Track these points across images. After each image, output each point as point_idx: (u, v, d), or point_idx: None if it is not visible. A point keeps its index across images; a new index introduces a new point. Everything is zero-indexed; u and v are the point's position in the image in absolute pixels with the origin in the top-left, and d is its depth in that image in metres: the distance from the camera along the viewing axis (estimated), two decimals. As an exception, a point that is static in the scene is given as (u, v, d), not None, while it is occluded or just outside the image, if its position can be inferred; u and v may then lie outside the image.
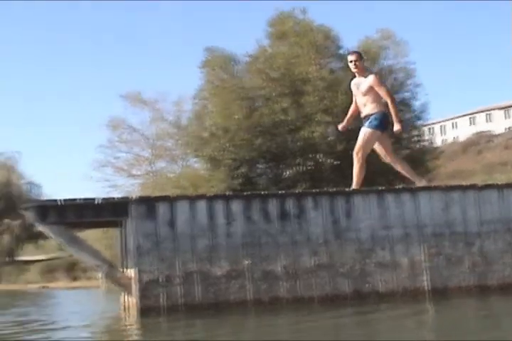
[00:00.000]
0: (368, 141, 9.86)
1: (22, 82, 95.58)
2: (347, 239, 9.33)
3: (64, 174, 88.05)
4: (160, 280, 8.67)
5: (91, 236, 27.30)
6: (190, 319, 8.31)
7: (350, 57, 10.06)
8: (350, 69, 10.27)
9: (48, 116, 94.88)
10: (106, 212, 8.85)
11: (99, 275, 9.08)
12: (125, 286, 8.94)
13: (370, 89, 9.83)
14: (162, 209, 8.80)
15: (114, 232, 29.14)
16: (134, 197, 9.09)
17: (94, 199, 8.70)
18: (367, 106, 9.95)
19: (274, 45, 27.24)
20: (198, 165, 30.46)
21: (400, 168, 10.24)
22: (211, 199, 9.07)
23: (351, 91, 10.38)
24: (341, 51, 25.58)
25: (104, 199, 8.88)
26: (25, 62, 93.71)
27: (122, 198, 9.34)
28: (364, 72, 10.07)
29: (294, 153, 24.15)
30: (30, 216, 8.87)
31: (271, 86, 25.23)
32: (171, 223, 8.79)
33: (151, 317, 8.51)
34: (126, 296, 9.61)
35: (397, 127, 9.77)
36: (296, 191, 10.64)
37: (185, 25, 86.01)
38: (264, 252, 9.01)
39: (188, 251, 8.78)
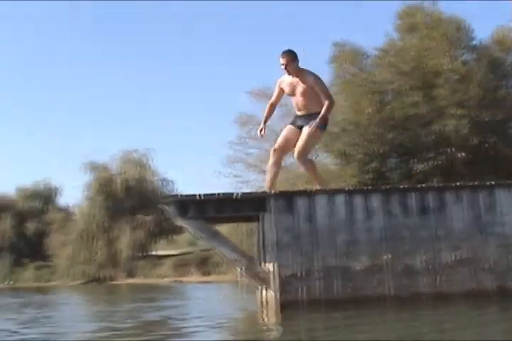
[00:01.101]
0: (314, 141, 9.66)
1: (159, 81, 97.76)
2: (490, 234, 9.09)
3: (194, 170, 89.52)
4: (299, 274, 8.66)
5: (222, 231, 27.61)
6: (330, 313, 8.27)
7: (281, 61, 9.22)
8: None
9: (179, 114, 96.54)
10: (245, 207, 8.92)
11: (238, 269, 9.09)
12: (264, 281, 8.96)
13: (311, 90, 9.20)
14: (301, 203, 8.80)
15: (245, 227, 29.58)
16: (272, 191, 9.11)
17: (233, 194, 8.77)
18: (308, 106, 9.29)
19: (404, 37, 26.84)
20: (328, 160, 30.39)
21: (308, 168, 9.67)
22: (350, 193, 9.01)
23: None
24: (474, 42, 24.96)
25: (243, 193, 8.95)
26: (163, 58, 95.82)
27: (261, 193, 9.37)
28: (299, 73, 9.25)
29: (427, 147, 23.74)
30: (170, 211, 9.01)
31: (402, 79, 24.89)
32: (310, 217, 8.77)
33: (291, 311, 8.51)
34: (263, 291, 9.66)
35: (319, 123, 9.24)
36: (437, 185, 10.39)
37: (312, 20, 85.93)
38: (404, 247, 8.88)
39: (328, 245, 8.75)
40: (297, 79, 9.24)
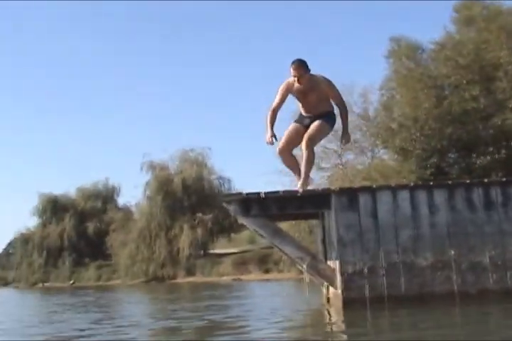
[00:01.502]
0: (324, 133, 9.40)
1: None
2: (559, 228, 8.92)
3: (249, 168, 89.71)
4: (363, 271, 8.61)
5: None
6: (395, 311, 8.22)
7: (293, 72, 8.76)
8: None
9: (231, 112, 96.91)
10: (307, 204, 8.89)
11: (301, 267, 9.06)
12: (328, 278, 8.93)
13: (324, 95, 8.95)
14: (364, 199, 8.75)
15: (304, 225, 29.55)
16: (335, 188, 9.08)
17: (296, 191, 8.75)
18: (319, 108, 9.01)
19: (461, 30, 26.58)
20: (386, 156, 30.20)
21: (304, 157, 9.03)
22: (414, 188, 8.93)
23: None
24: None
25: (305, 191, 8.93)
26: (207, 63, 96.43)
27: (324, 190, 9.34)
28: (311, 80, 8.83)
29: (486, 141, 23.46)
30: (232, 209, 9.03)
31: (460, 73, 24.62)
32: (373, 213, 8.71)
33: (355, 308, 8.48)
34: (328, 288, 9.65)
35: (346, 138, 9.44)
36: (502, 179, 10.23)
37: (367, 15, 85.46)
38: (470, 242, 8.77)
39: (391, 241, 8.68)
40: (309, 86, 8.85)
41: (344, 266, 8.61)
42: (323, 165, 34.07)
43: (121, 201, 64.99)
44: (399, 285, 8.64)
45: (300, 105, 9.13)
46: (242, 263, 42.65)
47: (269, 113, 8.94)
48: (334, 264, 8.99)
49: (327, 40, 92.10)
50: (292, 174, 9.32)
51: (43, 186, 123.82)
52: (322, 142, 33.86)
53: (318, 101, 8.94)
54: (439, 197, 8.81)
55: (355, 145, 32.71)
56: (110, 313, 11.74)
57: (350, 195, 8.76)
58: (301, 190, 8.70)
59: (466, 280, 8.68)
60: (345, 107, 9.25)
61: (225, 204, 9.46)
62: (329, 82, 9.00)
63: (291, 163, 9.10)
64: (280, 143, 8.94)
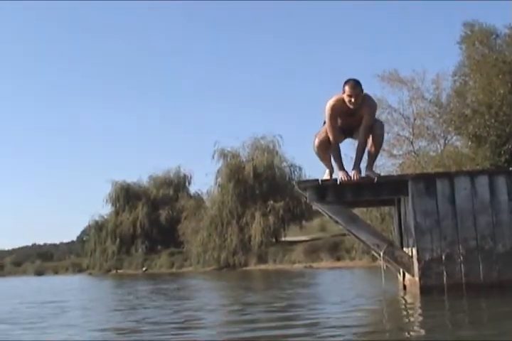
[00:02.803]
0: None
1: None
2: None
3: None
4: (441, 258, 8.52)
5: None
6: (473, 299, 8.11)
7: (351, 92, 8.20)
8: None
9: (302, 99, 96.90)
10: (384, 190, 8.81)
11: (378, 254, 9.01)
12: (405, 265, 8.87)
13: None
14: (441, 185, 8.63)
15: (376, 213, 29.37)
16: (412, 174, 9.00)
17: (372, 177, 8.69)
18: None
19: (538, 14, 26.07)
20: (459, 143, 29.87)
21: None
22: (492, 174, 8.78)
23: None
24: None
25: (382, 177, 8.85)
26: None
27: (400, 175, 9.30)
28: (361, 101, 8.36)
29: None
30: (308, 195, 9.00)
31: (537, 57, 24.18)
32: (451, 200, 8.60)
33: (433, 296, 8.40)
34: (405, 275, 9.59)
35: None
36: None
37: (439, 0, 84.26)
38: (550, 229, 8.60)
39: (470, 228, 8.56)
40: (359, 107, 8.37)
41: (421, 253, 8.53)
42: (395, 152, 33.86)
43: (192, 189, 65.70)
44: (477, 273, 8.51)
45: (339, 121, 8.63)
46: (313, 250, 42.69)
47: (333, 152, 8.66)
48: (411, 251, 8.92)
49: (400, 28, 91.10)
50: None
51: (117, 174, 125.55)
52: (395, 129, 33.88)
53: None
54: (518, 183, 8.65)
55: (427, 132, 32.41)
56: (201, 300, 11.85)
57: (427, 181, 8.65)
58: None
59: (546, 268, 8.53)
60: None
61: (300, 191, 9.44)
62: (375, 105, 8.79)
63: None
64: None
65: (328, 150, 8.70)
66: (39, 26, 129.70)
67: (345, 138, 8.91)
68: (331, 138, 8.52)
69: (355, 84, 8.23)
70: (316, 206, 9.16)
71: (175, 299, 11.81)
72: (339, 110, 8.40)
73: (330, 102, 8.44)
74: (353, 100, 8.21)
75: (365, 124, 8.49)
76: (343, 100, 8.34)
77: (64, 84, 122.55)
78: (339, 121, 8.56)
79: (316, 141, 8.68)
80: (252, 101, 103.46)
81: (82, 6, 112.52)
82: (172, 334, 6.07)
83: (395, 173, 28.22)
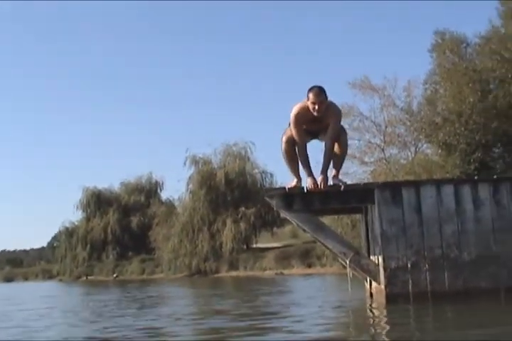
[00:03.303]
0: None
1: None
2: None
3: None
4: (407, 266, 8.56)
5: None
6: (439, 307, 8.15)
7: (314, 99, 8.19)
8: None
9: (270, 107, 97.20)
10: (351, 199, 8.83)
11: (344, 262, 9.03)
12: (371, 273, 8.89)
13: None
14: (407, 194, 8.67)
15: (347, 220, 29.44)
16: (378, 182, 9.03)
17: (339, 185, 8.70)
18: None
19: (508, 24, 26.29)
20: (430, 150, 30.04)
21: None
22: (458, 183, 8.84)
23: None
24: None
25: (349, 185, 8.87)
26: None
27: (367, 184, 9.31)
28: (326, 108, 8.35)
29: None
30: (275, 203, 8.99)
31: (505, 67, 24.40)
32: (417, 208, 8.64)
33: (398, 304, 8.43)
34: (371, 283, 9.61)
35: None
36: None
37: (411, 8, 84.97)
38: (515, 238, 8.66)
39: (435, 236, 8.60)
40: (324, 115, 8.34)
41: (387, 261, 8.56)
42: (366, 159, 33.99)
43: (164, 195, 65.48)
44: (442, 281, 8.56)
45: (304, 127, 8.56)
46: (284, 257, 42.70)
47: (300, 152, 8.58)
48: (377, 259, 8.94)
49: (372, 33, 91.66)
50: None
51: (88, 180, 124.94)
52: (366, 136, 34.02)
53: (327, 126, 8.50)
54: (484, 191, 8.71)
55: (398, 139, 32.58)
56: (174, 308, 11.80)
57: (393, 190, 8.68)
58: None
59: (511, 276, 8.58)
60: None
61: (267, 199, 9.43)
62: (340, 112, 8.78)
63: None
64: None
65: (294, 148, 8.64)
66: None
67: (312, 139, 8.90)
68: (297, 140, 8.47)
69: (319, 92, 8.19)
70: (283, 214, 9.16)
71: (144, 307, 11.76)
72: (304, 118, 8.37)
73: (294, 111, 8.42)
74: (316, 107, 8.17)
75: (332, 132, 8.47)
76: (307, 107, 8.32)
77: (34, 87, 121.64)
78: (304, 126, 8.53)
79: (284, 138, 8.66)
80: (224, 107, 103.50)
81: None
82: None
83: (366, 180, 28.34)
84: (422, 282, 8.55)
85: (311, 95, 8.19)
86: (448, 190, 8.64)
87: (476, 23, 59.40)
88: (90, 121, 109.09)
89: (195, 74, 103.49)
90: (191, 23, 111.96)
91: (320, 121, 8.41)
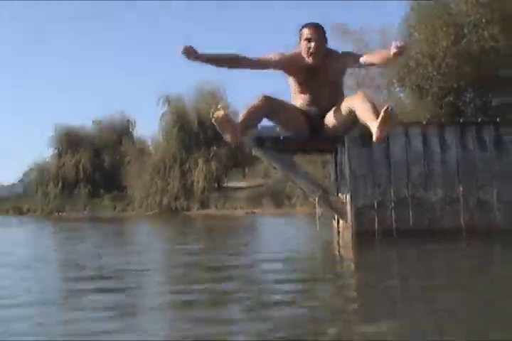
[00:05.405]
0: None
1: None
2: None
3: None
4: (374, 205, 8.83)
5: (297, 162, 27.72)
6: (403, 243, 8.42)
7: (310, 35, 4.80)
8: None
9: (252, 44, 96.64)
10: (322, 139, 8.99)
11: (314, 200, 9.26)
12: (339, 211, 9.16)
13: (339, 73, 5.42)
14: (376, 136, 8.85)
15: (318, 159, 29.65)
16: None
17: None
18: (333, 95, 5.27)
19: (484, -33, 26.19)
20: (403, 94, 30.16)
21: None
22: (426, 127, 9.07)
23: None
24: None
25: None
26: None
27: (338, 125, 9.46)
28: (325, 55, 4.95)
29: (504, 81, 23.38)
30: (247, 141, 9.16)
31: (480, 12, 24.38)
32: (386, 150, 8.87)
33: (364, 241, 8.71)
34: (339, 221, 9.88)
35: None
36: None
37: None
38: (479, 181, 8.95)
39: (403, 177, 8.87)
40: (324, 65, 4.86)
41: (355, 200, 8.83)
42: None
43: (136, 134, 65.19)
44: (407, 219, 8.86)
45: (298, 90, 4.94)
46: (256, 197, 42.90)
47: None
48: (345, 198, 9.20)
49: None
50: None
51: (59, 118, 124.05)
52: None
53: (333, 87, 4.93)
54: (451, 135, 8.96)
55: (371, 82, 32.63)
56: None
57: (364, 131, 8.87)
58: None
59: (473, 217, 8.90)
60: None
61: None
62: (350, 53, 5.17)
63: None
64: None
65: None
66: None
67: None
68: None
69: (318, 27, 5.02)
70: (255, 152, 9.33)
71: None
72: (297, 61, 4.86)
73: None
74: (312, 45, 4.86)
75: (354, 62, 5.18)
76: (299, 55, 4.91)
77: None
78: (297, 86, 4.94)
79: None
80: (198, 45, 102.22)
81: None
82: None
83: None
84: (387, 220, 8.84)
85: (306, 30, 5.02)
86: (416, 133, 8.88)
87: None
88: (66, 60, 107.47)
89: (171, 15, 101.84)
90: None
91: (316, 72, 4.93)
